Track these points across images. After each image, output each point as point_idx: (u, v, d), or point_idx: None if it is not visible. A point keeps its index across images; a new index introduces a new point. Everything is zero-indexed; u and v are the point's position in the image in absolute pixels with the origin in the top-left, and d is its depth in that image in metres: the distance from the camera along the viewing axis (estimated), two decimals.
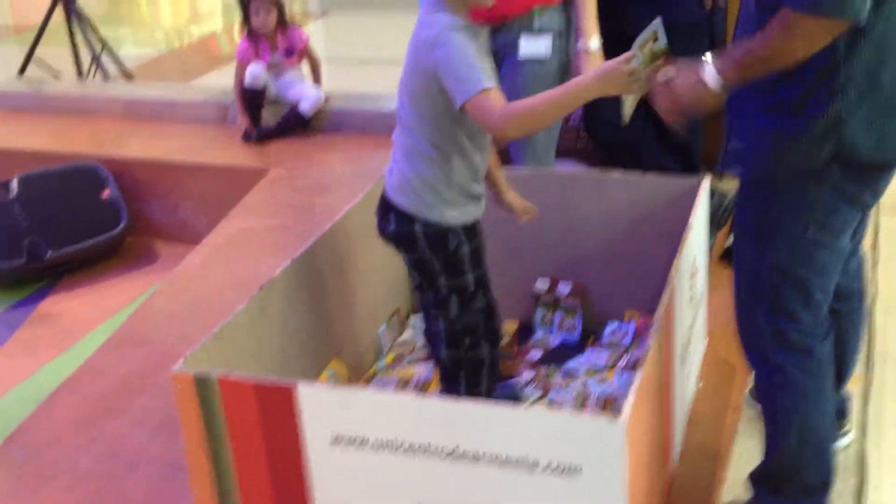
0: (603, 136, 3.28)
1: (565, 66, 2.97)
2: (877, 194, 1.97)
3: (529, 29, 2.93)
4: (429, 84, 2.03)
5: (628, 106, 2.05)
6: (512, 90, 3.00)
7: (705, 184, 2.58)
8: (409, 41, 2.09)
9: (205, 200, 4.31)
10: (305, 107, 4.54)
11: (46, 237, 4.14)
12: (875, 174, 1.92)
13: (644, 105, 3.30)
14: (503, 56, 2.96)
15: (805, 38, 1.71)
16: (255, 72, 4.42)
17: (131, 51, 6.34)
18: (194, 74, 5.79)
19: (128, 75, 5.86)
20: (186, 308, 3.12)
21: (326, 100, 4.65)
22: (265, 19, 4.41)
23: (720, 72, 1.82)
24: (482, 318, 2.26)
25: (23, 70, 5.58)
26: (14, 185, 4.27)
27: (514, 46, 2.94)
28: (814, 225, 1.90)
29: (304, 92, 4.57)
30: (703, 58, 1.85)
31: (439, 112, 2.06)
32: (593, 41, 2.90)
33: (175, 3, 8.29)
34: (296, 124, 4.58)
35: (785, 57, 1.76)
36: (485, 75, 1.96)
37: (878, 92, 1.81)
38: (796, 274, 1.94)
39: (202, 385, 1.85)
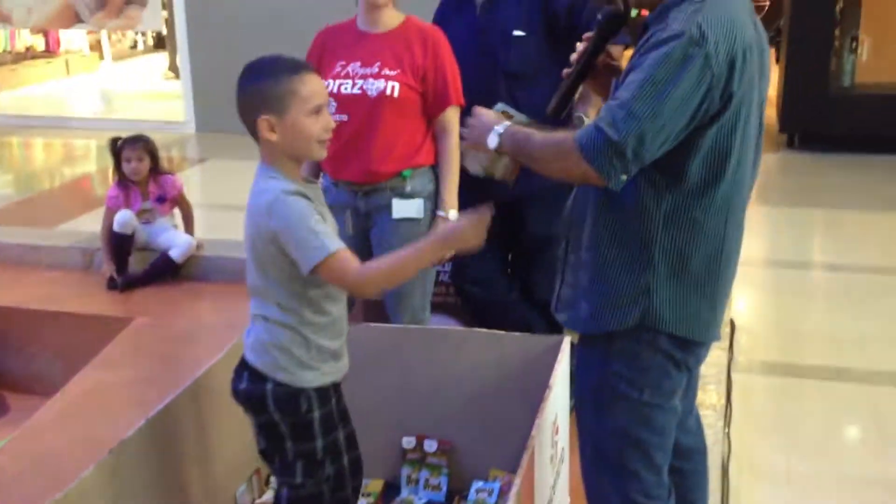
0: (471, 293, 3.34)
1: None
2: (698, 360, 2.08)
3: (401, 193, 3.00)
4: (271, 249, 2.05)
5: (499, 174, 2.10)
6: (388, 250, 3.05)
7: (567, 343, 2.64)
8: (246, 207, 2.11)
9: (63, 351, 4.13)
10: (176, 254, 4.47)
11: None
12: (694, 347, 2.01)
13: (511, 266, 3.40)
14: (376, 216, 3.02)
15: (565, 165, 1.86)
16: (124, 219, 4.35)
17: None
18: (65, 217, 5.66)
19: None
20: (32, 468, 2.94)
21: (198, 247, 4.60)
22: (137, 167, 4.38)
23: (502, 138, 1.97)
24: (328, 487, 2.19)
25: None
26: None
27: (387, 208, 3.01)
28: (648, 389, 1.97)
29: (175, 239, 4.51)
30: (502, 122, 2.01)
31: (286, 275, 2.07)
32: (452, 213, 2.99)
33: (48, 144, 8.17)
34: (165, 271, 4.49)
35: (543, 166, 1.94)
36: (328, 239, 2.01)
37: (687, 272, 1.92)
38: (636, 436, 2.00)
39: None
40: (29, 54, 11.21)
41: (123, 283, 4.40)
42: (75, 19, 8.71)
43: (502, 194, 3.20)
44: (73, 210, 5.82)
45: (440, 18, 3.26)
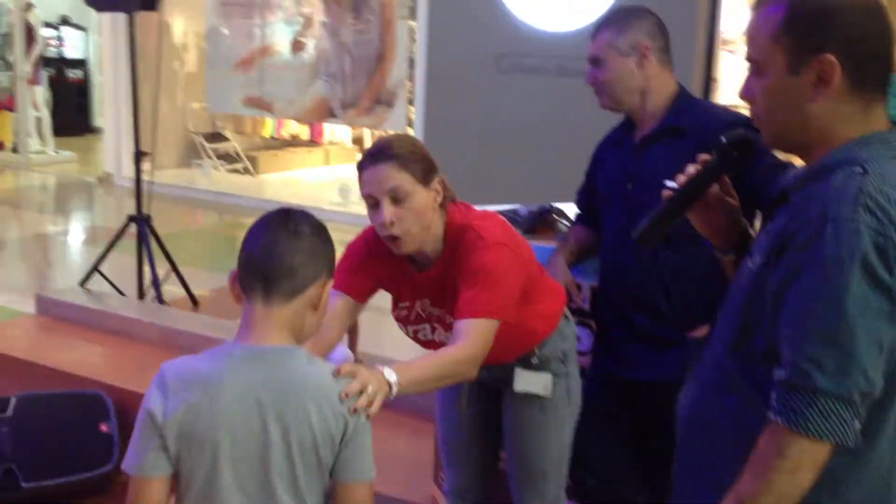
0: (587, 486, 2.74)
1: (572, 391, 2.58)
2: None
3: (527, 363, 2.50)
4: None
5: None
6: (511, 435, 2.58)
7: None
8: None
9: None
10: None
11: (27, 466, 3.84)
12: None
13: (645, 464, 2.80)
14: (497, 388, 2.57)
15: (786, 456, 1.44)
16: None
17: (217, 275, 6.29)
18: None
19: (193, 302, 5.76)
20: None
21: (358, 362, 4.33)
22: None
23: None
24: None
25: (84, 282, 5.55)
26: (12, 404, 4.05)
27: (510, 379, 2.51)
28: None
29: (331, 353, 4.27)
30: None
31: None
32: (387, 371, 2.00)
33: None
34: None
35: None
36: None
37: None
38: None
39: None
40: (293, 142, 11.80)
41: None
42: (329, 114, 9.01)
43: (634, 376, 2.67)
44: None
45: (598, 158, 2.84)
